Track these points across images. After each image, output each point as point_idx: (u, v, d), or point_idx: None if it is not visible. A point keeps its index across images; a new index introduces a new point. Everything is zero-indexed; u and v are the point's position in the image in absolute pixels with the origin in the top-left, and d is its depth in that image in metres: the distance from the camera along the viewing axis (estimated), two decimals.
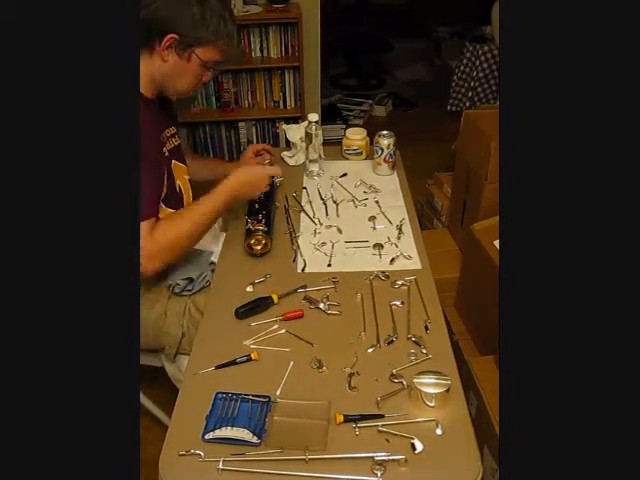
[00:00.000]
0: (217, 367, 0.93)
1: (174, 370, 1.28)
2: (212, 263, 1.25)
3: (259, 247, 1.19)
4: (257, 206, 1.25)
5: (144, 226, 1.03)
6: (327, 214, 1.36)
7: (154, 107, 1.19)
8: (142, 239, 1.02)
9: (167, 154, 1.23)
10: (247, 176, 1.22)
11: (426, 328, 1.01)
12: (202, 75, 1.18)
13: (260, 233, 1.18)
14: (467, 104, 3.36)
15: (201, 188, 1.26)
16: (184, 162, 1.33)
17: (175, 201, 1.24)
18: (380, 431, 0.82)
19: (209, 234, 1.21)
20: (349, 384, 0.90)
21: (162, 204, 1.19)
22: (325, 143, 1.52)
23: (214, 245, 1.29)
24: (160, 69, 1.11)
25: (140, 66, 1.08)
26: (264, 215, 1.22)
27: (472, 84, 3.33)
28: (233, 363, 0.94)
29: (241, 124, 2.99)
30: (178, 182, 1.27)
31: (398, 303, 1.07)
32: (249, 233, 1.18)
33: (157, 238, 1.05)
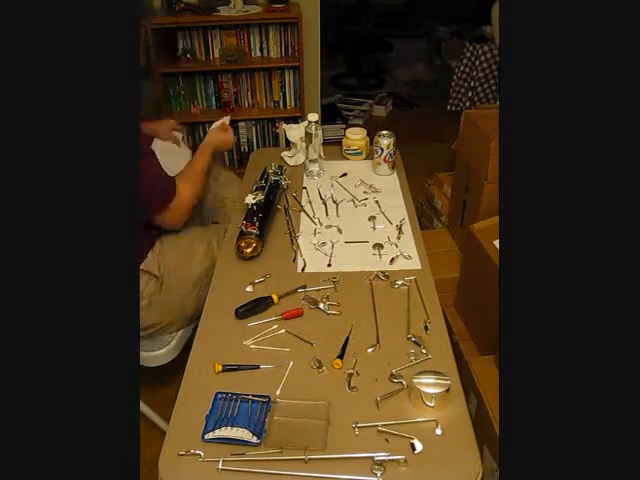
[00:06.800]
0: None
1: (149, 345, 1.34)
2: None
3: (249, 250, 1.16)
4: (255, 209, 1.23)
5: (178, 191, 1.29)
6: (327, 214, 1.36)
7: None
8: (179, 199, 1.28)
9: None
10: (217, 140, 1.54)
11: (426, 328, 1.01)
12: None
13: (252, 236, 1.16)
14: (467, 104, 3.36)
15: None
16: None
17: None
18: (380, 431, 0.82)
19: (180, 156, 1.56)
20: (349, 384, 0.90)
21: None
22: (325, 143, 1.52)
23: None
24: None
25: None
26: (259, 218, 1.20)
27: (472, 84, 3.33)
28: (239, 368, 0.93)
29: (241, 124, 2.99)
30: None
31: (398, 303, 1.06)
32: (240, 235, 1.17)
33: (184, 196, 1.30)
